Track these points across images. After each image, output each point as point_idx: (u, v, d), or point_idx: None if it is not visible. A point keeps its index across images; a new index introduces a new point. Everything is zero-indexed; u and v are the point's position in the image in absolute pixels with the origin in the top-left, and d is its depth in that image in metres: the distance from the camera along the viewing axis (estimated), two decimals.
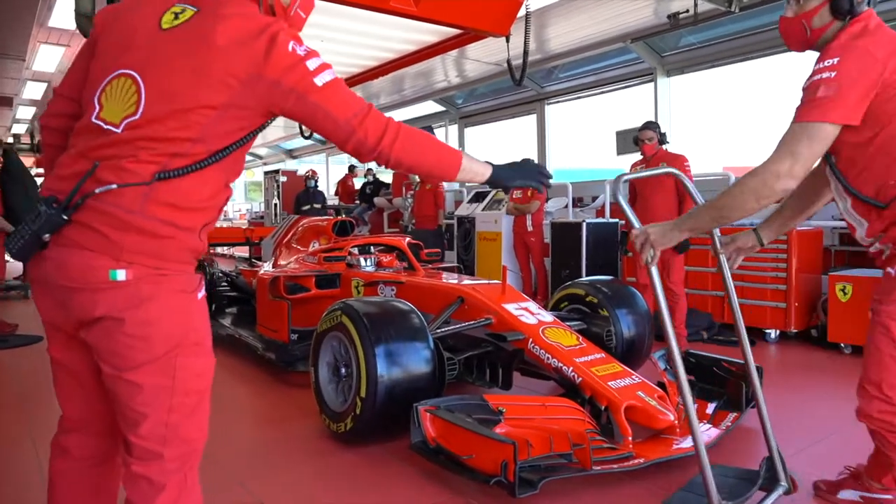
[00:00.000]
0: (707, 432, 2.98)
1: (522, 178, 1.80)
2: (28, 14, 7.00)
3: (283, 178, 14.39)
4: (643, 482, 2.65)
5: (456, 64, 9.38)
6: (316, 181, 11.62)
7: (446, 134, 12.51)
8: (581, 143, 10.76)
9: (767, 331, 5.46)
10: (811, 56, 2.06)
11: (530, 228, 7.02)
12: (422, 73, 9.84)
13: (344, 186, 13.37)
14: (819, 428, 3.33)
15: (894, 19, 5.59)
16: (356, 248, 5.12)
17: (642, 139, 5.15)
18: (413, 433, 2.68)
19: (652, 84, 8.26)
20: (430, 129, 12.63)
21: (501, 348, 3.34)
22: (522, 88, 9.38)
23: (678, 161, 4.98)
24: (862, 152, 1.98)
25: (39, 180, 5.76)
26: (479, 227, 7.89)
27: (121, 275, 1.32)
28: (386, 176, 12.10)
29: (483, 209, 8.02)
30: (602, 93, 9.38)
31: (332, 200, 13.09)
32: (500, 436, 2.47)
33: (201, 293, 1.48)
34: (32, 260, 1.40)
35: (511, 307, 3.45)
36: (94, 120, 1.39)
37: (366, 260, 4.91)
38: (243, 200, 23.39)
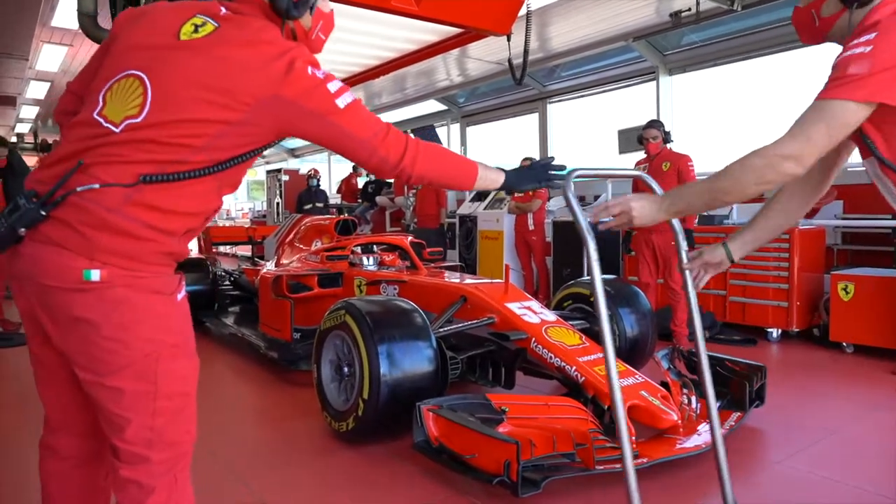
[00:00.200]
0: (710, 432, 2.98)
1: (532, 180, 1.83)
2: (31, 14, 7.01)
3: (285, 177, 14.37)
4: (646, 482, 2.65)
5: (458, 63, 9.38)
6: (318, 180, 11.61)
7: (448, 133, 12.50)
8: (583, 142, 10.74)
9: (769, 330, 5.45)
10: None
11: (532, 227, 7.02)
12: (423, 72, 9.84)
13: (348, 185, 13.36)
14: (820, 427, 3.33)
15: None
16: (359, 247, 5.12)
17: (647, 138, 5.14)
18: (416, 432, 2.68)
19: (654, 83, 8.25)
20: (433, 132, 12.64)
21: (504, 347, 3.34)
22: (524, 87, 9.37)
23: (682, 161, 4.98)
24: None
25: None
26: (480, 225, 7.90)
27: (95, 275, 1.30)
28: None
29: (485, 208, 8.02)
30: (604, 91, 9.37)
31: (335, 199, 13.09)
32: (503, 435, 2.47)
33: (181, 294, 1.46)
34: (9, 254, 1.38)
35: (514, 306, 3.44)
36: (95, 116, 1.39)
37: (368, 259, 4.92)
38: (246, 199, 23.40)
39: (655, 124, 5.20)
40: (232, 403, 3.93)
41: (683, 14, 6.73)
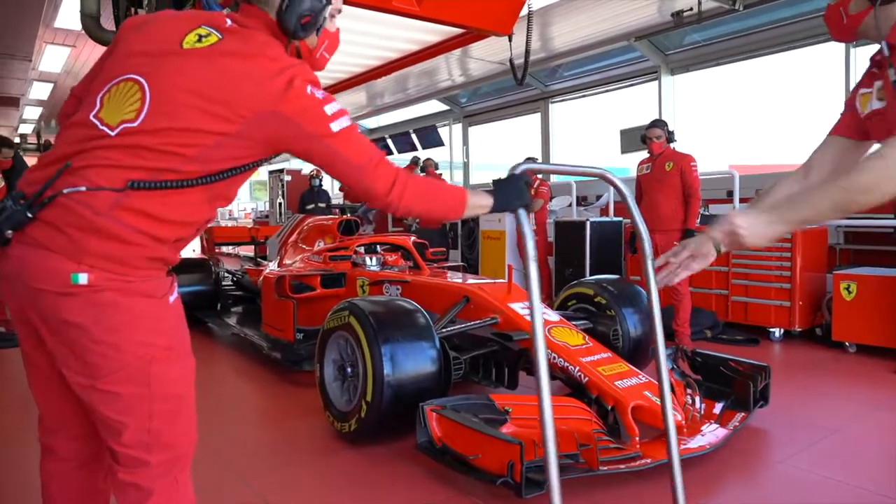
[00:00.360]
0: (714, 432, 2.98)
1: (516, 196, 1.68)
2: (34, 15, 7.03)
3: (287, 178, 14.38)
4: (650, 482, 2.65)
5: (459, 63, 9.38)
6: (320, 180, 11.63)
7: (450, 133, 12.50)
8: (585, 141, 10.74)
9: (772, 329, 5.44)
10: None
11: (534, 227, 7.01)
12: (425, 72, 9.84)
13: None
14: (822, 427, 3.33)
15: None
16: (361, 248, 5.13)
17: (650, 137, 5.14)
18: (419, 433, 2.68)
19: (656, 82, 8.26)
20: (435, 132, 12.59)
21: (507, 348, 3.34)
22: (526, 87, 9.38)
23: (685, 160, 4.98)
24: None
25: None
26: (482, 225, 7.89)
27: (82, 278, 1.29)
28: None
29: None
30: (606, 91, 9.38)
31: (337, 199, 13.10)
32: (506, 436, 2.48)
33: (173, 296, 1.45)
34: None
35: (517, 306, 3.44)
36: (91, 117, 1.38)
37: (371, 259, 4.92)
38: (248, 200, 23.43)
39: (659, 124, 5.20)
40: (234, 403, 3.93)
41: (685, 14, 6.73)
